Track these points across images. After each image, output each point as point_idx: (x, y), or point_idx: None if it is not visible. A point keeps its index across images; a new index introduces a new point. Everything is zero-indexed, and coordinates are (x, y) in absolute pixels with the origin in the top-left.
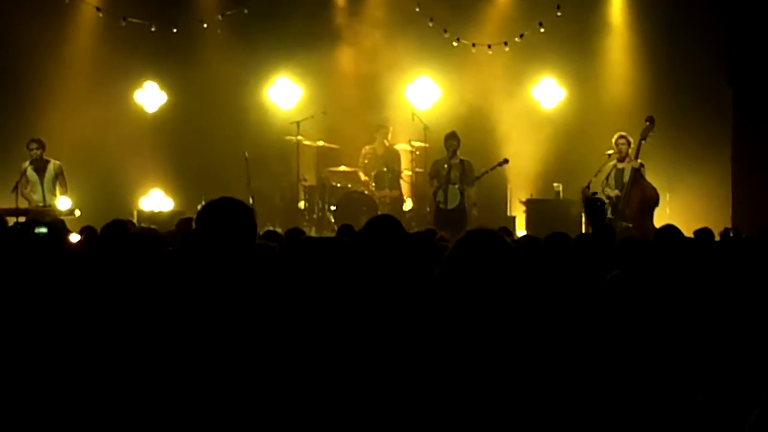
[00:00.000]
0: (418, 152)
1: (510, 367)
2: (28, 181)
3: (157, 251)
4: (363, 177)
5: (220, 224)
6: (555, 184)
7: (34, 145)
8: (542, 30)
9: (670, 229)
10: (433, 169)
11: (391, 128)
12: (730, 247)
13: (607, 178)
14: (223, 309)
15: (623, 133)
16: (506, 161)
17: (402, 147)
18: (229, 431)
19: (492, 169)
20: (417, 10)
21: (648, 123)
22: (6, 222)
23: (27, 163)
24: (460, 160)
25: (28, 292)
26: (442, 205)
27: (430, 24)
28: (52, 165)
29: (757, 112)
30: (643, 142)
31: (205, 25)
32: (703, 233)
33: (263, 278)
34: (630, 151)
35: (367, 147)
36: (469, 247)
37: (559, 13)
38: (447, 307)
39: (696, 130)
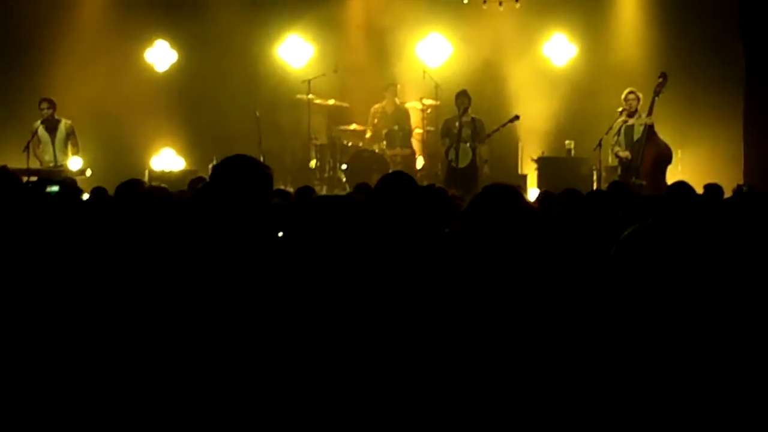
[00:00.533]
0: (429, 110)
1: (529, 319)
2: (39, 141)
3: (170, 209)
4: (370, 135)
5: (236, 181)
6: (567, 142)
7: (45, 105)
8: None
9: (681, 186)
10: (444, 128)
11: (399, 86)
12: (743, 203)
13: (617, 135)
14: (238, 265)
15: (633, 89)
16: (517, 117)
17: (413, 105)
18: (245, 400)
19: (503, 126)
20: None
21: (661, 79)
22: (20, 180)
23: (38, 122)
24: (471, 118)
25: (42, 250)
26: (453, 164)
27: None
28: (63, 124)
29: None
30: (656, 98)
31: None
32: (713, 189)
33: (276, 236)
34: (639, 107)
35: (377, 105)
36: (486, 202)
37: None
38: (463, 262)
39: (708, 85)
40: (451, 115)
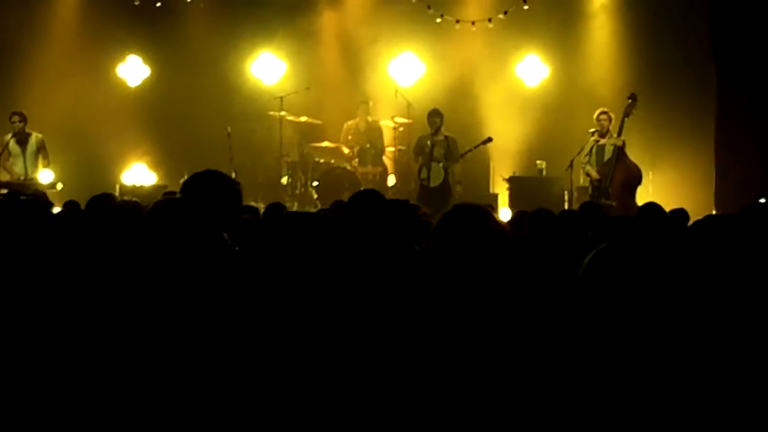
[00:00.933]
0: (401, 129)
1: (497, 337)
2: (10, 154)
3: (138, 220)
4: (346, 152)
5: (205, 195)
6: (538, 162)
7: (16, 118)
8: (526, 7)
9: (652, 207)
10: (417, 146)
11: (371, 103)
12: (710, 226)
13: (589, 155)
14: (204, 279)
15: (604, 109)
16: (490, 140)
17: (385, 123)
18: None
19: (476, 147)
20: None
21: (630, 100)
22: None
23: (9, 135)
24: (444, 137)
25: (12, 261)
26: (425, 183)
27: (414, 0)
28: (34, 138)
29: (741, 89)
30: (626, 119)
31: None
32: (678, 214)
33: (245, 251)
34: (611, 127)
35: (350, 122)
36: (455, 221)
37: None
38: (433, 280)
39: (680, 107)
40: (424, 133)
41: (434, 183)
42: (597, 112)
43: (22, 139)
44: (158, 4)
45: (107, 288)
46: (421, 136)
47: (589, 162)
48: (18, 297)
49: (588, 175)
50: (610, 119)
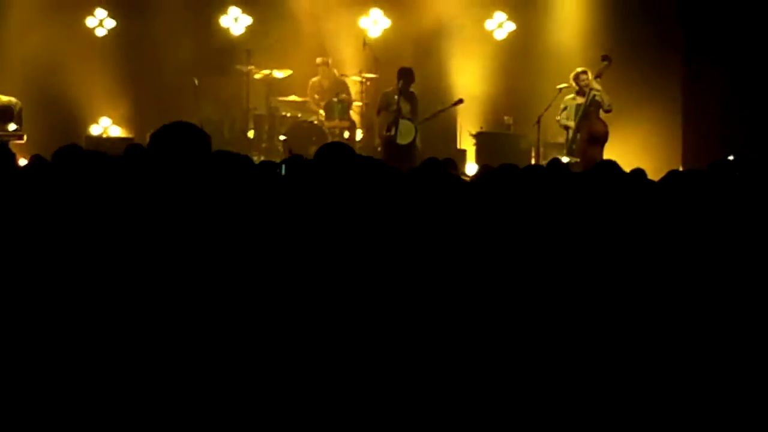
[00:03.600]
0: (368, 84)
1: (460, 291)
2: None
3: (108, 173)
4: (313, 107)
5: (175, 147)
6: (506, 118)
7: None
8: None
9: (608, 164)
10: (383, 101)
11: (330, 60)
12: (675, 184)
13: (566, 111)
14: (178, 231)
15: (584, 69)
16: (461, 101)
17: (353, 78)
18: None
19: (445, 109)
20: None
21: (606, 62)
22: None
23: None
24: (410, 93)
25: None
26: (392, 139)
27: None
28: None
29: (707, 49)
30: (598, 79)
31: None
32: (636, 173)
33: (218, 200)
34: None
35: (314, 79)
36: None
37: None
38: (403, 236)
39: (647, 66)
40: (389, 88)
41: (404, 140)
42: (576, 71)
43: None
44: None
45: (81, 244)
46: (386, 91)
47: (567, 117)
48: None
49: (566, 128)
50: (588, 77)
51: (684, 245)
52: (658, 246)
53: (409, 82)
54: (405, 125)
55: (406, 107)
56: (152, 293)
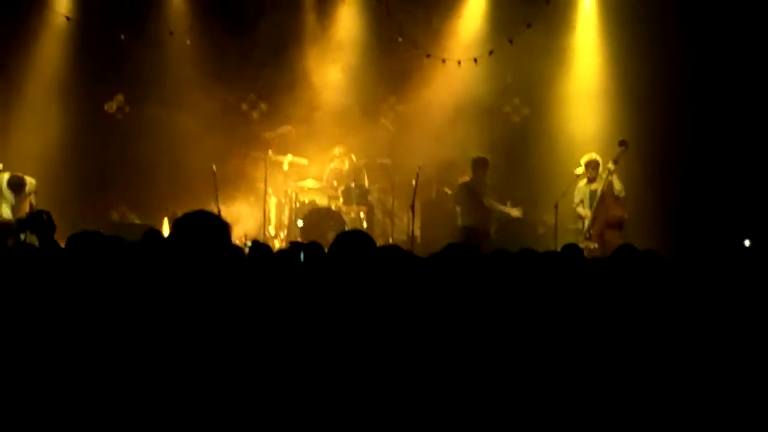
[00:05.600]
0: (384, 168)
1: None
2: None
3: (127, 259)
4: (331, 192)
5: (195, 235)
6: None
7: None
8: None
9: (626, 249)
10: (461, 192)
11: (343, 150)
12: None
13: (582, 201)
14: (198, 317)
15: (592, 157)
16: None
17: (369, 162)
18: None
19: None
20: (398, 38)
21: (623, 147)
22: None
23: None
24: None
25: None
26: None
27: (400, 40)
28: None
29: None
30: (615, 164)
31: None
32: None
33: (234, 287)
34: (600, 171)
35: (331, 165)
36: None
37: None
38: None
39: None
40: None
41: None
42: (587, 158)
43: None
44: (143, 41)
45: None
46: (464, 182)
47: (582, 204)
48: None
49: (580, 217)
50: (598, 165)
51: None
52: (677, 328)
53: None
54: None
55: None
56: (168, 381)
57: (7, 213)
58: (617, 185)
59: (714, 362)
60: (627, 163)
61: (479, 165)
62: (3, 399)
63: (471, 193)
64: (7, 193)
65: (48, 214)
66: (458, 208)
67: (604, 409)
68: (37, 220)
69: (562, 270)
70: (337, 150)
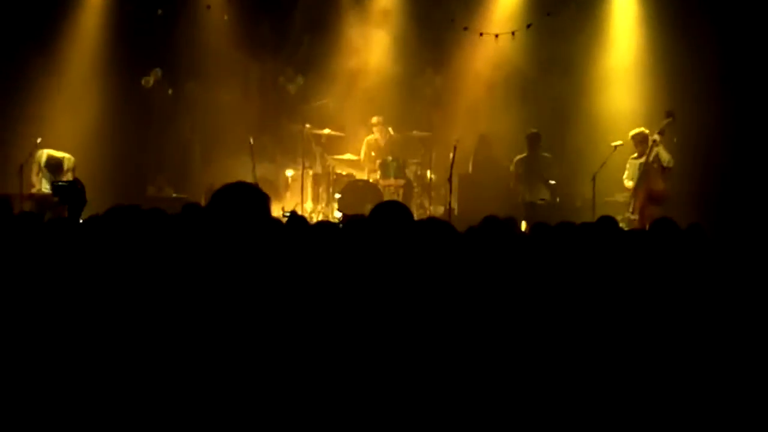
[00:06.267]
0: (422, 142)
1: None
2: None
3: (167, 231)
4: (369, 164)
5: (236, 206)
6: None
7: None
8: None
9: (664, 222)
10: (519, 167)
11: (381, 119)
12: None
13: (629, 172)
14: (237, 289)
15: (640, 130)
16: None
17: (407, 136)
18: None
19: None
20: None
21: (670, 118)
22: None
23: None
24: (541, 156)
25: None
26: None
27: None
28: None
29: None
30: (660, 135)
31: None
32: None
33: (274, 259)
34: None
35: (370, 137)
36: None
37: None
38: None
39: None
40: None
41: (536, 198)
42: (634, 132)
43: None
44: (180, 15)
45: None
46: (520, 157)
47: (629, 177)
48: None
49: (629, 191)
50: (647, 138)
51: (740, 299)
52: (715, 301)
53: (538, 145)
54: (540, 186)
55: (539, 169)
56: (207, 351)
57: (46, 188)
58: (664, 156)
59: (747, 344)
60: (673, 137)
61: (533, 140)
62: (40, 373)
63: (528, 167)
64: (45, 171)
65: (82, 185)
66: (519, 186)
67: (643, 384)
68: (71, 189)
69: (598, 242)
70: (375, 119)
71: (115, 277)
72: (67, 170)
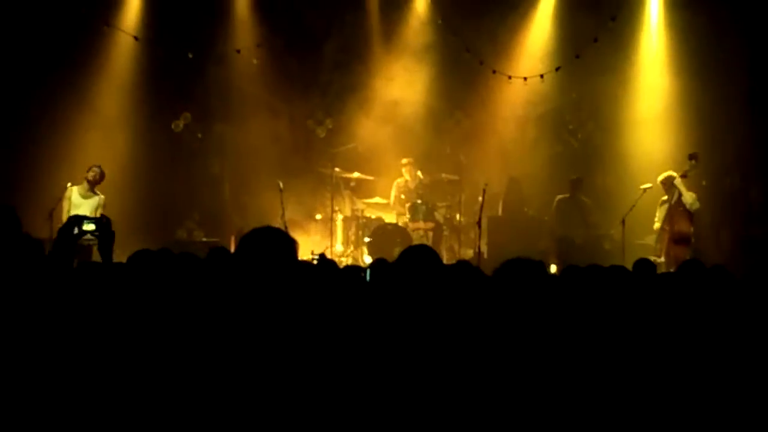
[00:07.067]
0: (450, 185)
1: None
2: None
3: (196, 275)
4: (398, 207)
5: (262, 251)
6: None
7: (96, 170)
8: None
9: (692, 264)
10: (560, 207)
11: (411, 160)
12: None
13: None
14: (264, 333)
15: (668, 175)
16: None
17: (435, 179)
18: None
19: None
20: (465, 52)
21: (693, 161)
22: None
23: (76, 186)
24: (582, 200)
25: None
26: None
27: (468, 54)
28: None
29: None
30: (683, 178)
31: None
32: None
33: (302, 302)
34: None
35: (400, 180)
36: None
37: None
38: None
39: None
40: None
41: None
42: (663, 176)
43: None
44: (211, 59)
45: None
46: (561, 197)
47: (658, 219)
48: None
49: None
50: (672, 183)
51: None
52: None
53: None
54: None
55: (580, 212)
56: (238, 396)
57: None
58: (688, 198)
59: None
60: (697, 179)
61: (576, 184)
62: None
63: (568, 208)
64: (79, 201)
65: (108, 219)
66: (555, 219)
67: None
68: (99, 223)
69: (626, 285)
70: (405, 160)
71: (144, 322)
72: (98, 207)
